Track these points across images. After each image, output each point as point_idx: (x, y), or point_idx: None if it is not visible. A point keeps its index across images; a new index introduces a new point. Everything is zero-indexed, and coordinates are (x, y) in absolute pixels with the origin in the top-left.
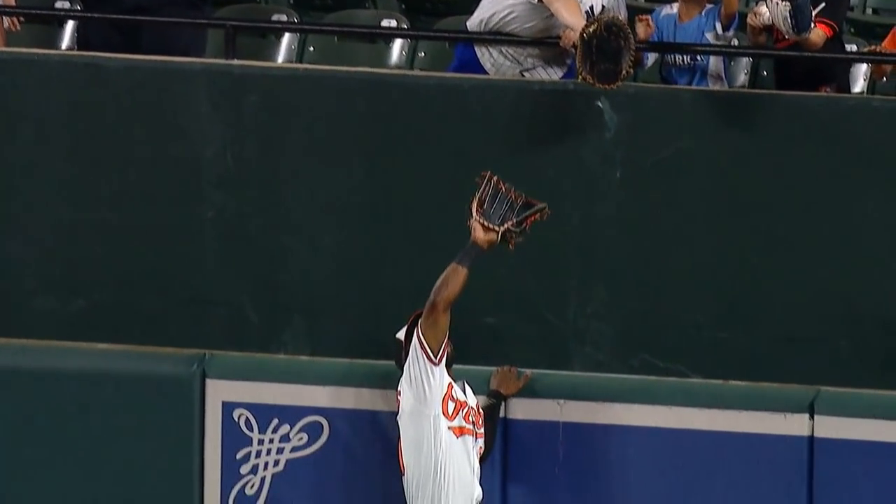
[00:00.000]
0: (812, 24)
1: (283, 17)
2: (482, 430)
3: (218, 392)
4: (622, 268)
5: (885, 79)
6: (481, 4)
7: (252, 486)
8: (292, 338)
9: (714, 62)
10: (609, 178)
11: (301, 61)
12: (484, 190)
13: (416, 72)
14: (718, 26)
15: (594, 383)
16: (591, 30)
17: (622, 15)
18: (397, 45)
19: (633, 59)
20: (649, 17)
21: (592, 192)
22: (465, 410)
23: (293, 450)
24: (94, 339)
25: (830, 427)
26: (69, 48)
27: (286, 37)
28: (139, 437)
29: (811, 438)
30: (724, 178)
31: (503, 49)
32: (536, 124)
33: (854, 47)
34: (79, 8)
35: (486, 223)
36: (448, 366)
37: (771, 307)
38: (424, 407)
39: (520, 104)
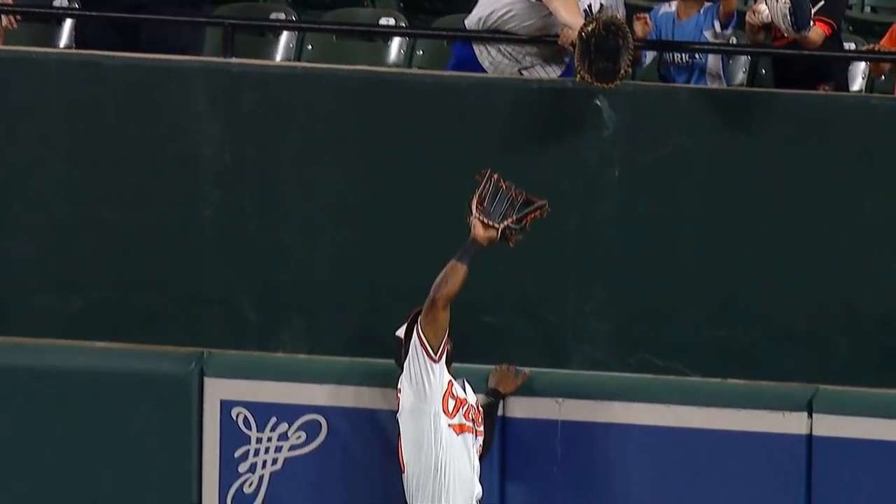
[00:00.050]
0: (811, 22)
1: (282, 16)
2: (482, 428)
3: (216, 390)
4: (621, 266)
5: (883, 77)
6: (480, 2)
7: (250, 485)
8: (291, 336)
9: (712, 60)
10: (607, 176)
11: (299, 59)
12: (484, 188)
13: (415, 70)
14: (717, 24)
15: (593, 382)
16: (589, 29)
17: (620, 13)
18: (395, 43)
19: (631, 58)
20: (647, 15)
21: (591, 190)
22: (465, 408)
23: (291, 448)
24: (92, 338)
25: (829, 425)
26: (67, 47)
27: (284, 35)
28: (137, 435)
29: (810, 437)
30: (722, 177)
31: (501, 47)
32: (535, 123)
33: (852, 45)
34: (77, 6)
35: (485, 220)
36: (448, 363)
37: (769, 305)
38: (424, 404)
39: (518, 102)
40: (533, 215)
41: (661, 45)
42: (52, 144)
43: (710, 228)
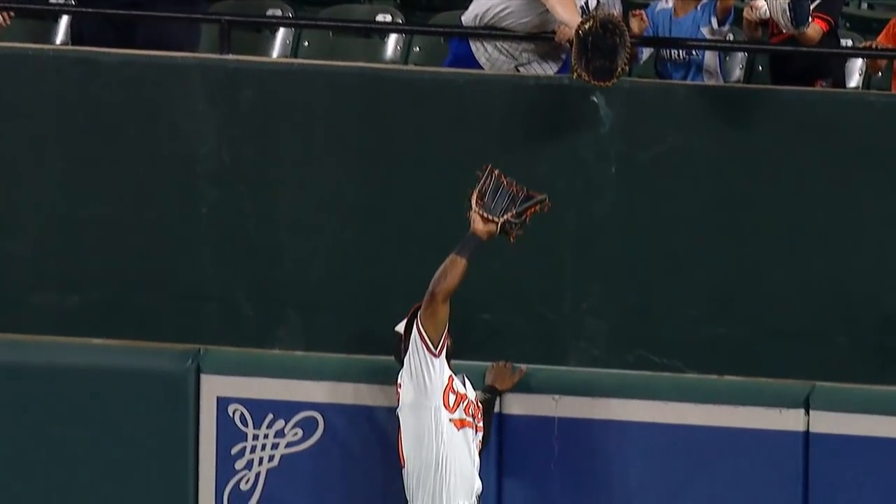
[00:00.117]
0: (810, 18)
1: (278, 12)
2: (482, 424)
3: (212, 387)
4: (618, 263)
5: (880, 73)
6: None
7: (247, 482)
8: (287, 333)
9: (709, 57)
10: (604, 173)
11: (296, 56)
12: (485, 183)
13: (411, 67)
14: (714, 21)
15: (589, 379)
16: (586, 27)
17: (617, 10)
18: (392, 39)
19: (628, 56)
20: (643, 11)
21: (587, 187)
22: (465, 403)
23: (288, 445)
24: (88, 335)
25: (826, 422)
26: (63, 43)
27: (281, 31)
28: (134, 432)
29: (807, 434)
30: (719, 173)
31: (498, 44)
32: (531, 119)
33: (850, 42)
34: (73, 2)
35: (485, 214)
36: (448, 358)
37: (767, 302)
38: (425, 399)
39: (515, 99)
40: (533, 210)
41: (657, 42)
42: (48, 142)
43: (708, 225)
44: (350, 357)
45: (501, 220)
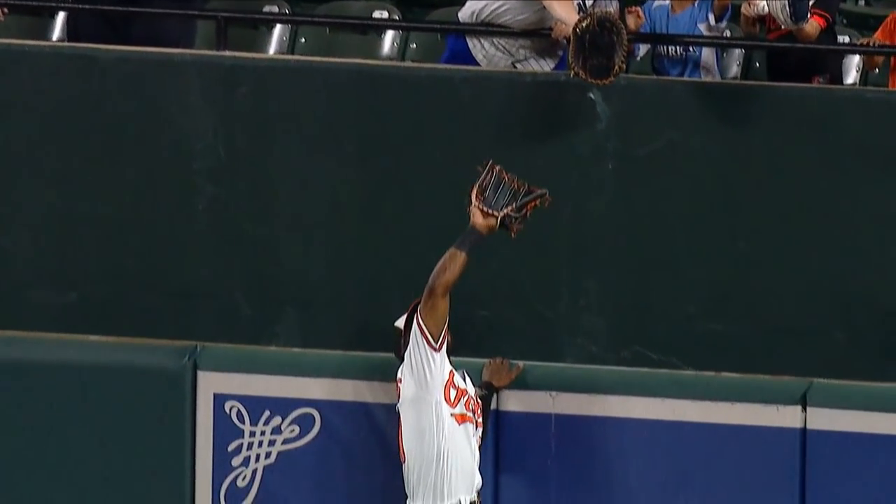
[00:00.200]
0: (809, 14)
1: (275, 9)
2: (481, 420)
3: (209, 384)
4: (614, 260)
5: (877, 70)
6: None
7: (244, 478)
8: (284, 330)
9: (707, 53)
10: (601, 169)
11: (292, 53)
12: (485, 178)
13: (408, 63)
14: (711, 17)
15: (586, 375)
16: (583, 25)
17: (614, 8)
18: (389, 36)
19: (626, 54)
20: (639, 8)
21: (584, 183)
22: (465, 398)
23: (285, 442)
24: (85, 332)
25: (823, 419)
26: (60, 40)
27: (278, 28)
28: (131, 428)
29: (804, 430)
30: (716, 170)
31: (495, 40)
32: (528, 116)
33: (847, 38)
34: None
35: (485, 209)
36: (448, 353)
37: (764, 299)
38: (426, 393)
39: (512, 96)
40: (533, 204)
41: (654, 39)
42: (45, 138)
43: (705, 222)
44: (347, 354)
45: (501, 214)
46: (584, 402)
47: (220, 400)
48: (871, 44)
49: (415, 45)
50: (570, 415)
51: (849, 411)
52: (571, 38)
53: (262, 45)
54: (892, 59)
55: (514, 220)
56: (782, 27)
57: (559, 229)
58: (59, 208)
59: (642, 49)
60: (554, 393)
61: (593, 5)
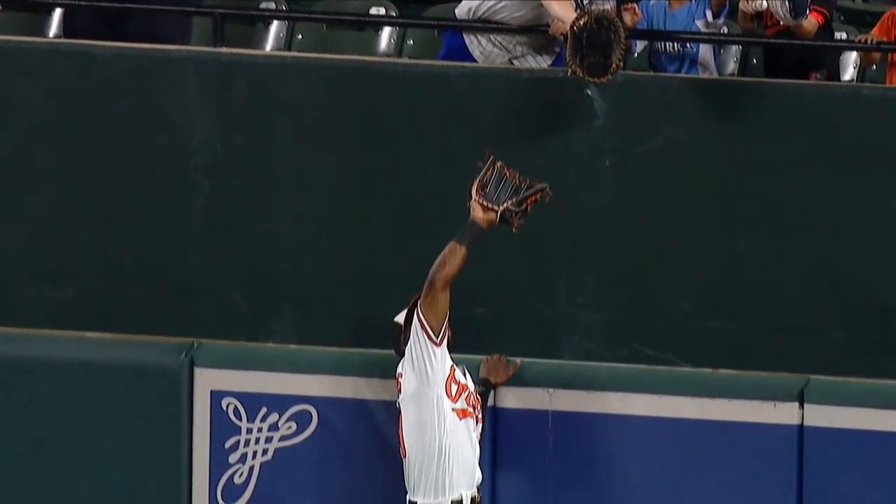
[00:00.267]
0: (808, 10)
1: (272, 5)
2: (481, 416)
3: (206, 381)
4: (612, 256)
5: (874, 66)
6: None
7: (241, 475)
8: (281, 326)
9: (704, 50)
10: (598, 166)
11: (289, 49)
12: (486, 173)
13: (405, 60)
14: (709, 14)
15: (584, 372)
16: (581, 23)
17: (611, 5)
18: (386, 32)
19: (623, 52)
20: (635, 5)
21: (582, 180)
22: (466, 393)
23: (282, 439)
24: (82, 328)
25: (820, 416)
26: (57, 36)
27: (275, 24)
28: (127, 425)
29: (801, 427)
30: (713, 167)
31: (492, 37)
32: (525, 112)
33: (844, 35)
34: None
35: (485, 203)
36: (449, 348)
37: (761, 296)
38: (427, 388)
39: (509, 92)
40: (533, 198)
41: (651, 35)
42: (41, 135)
43: (702, 218)
44: (344, 350)
45: (501, 208)
46: (582, 399)
47: (216, 397)
48: (869, 40)
49: (412, 42)
50: (567, 411)
51: (846, 408)
52: (569, 35)
53: (259, 42)
54: (889, 55)
55: (514, 214)
56: (781, 23)
57: (556, 226)
58: (55, 205)
59: (639, 45)
60: (551, 390)
61: (590, 3)
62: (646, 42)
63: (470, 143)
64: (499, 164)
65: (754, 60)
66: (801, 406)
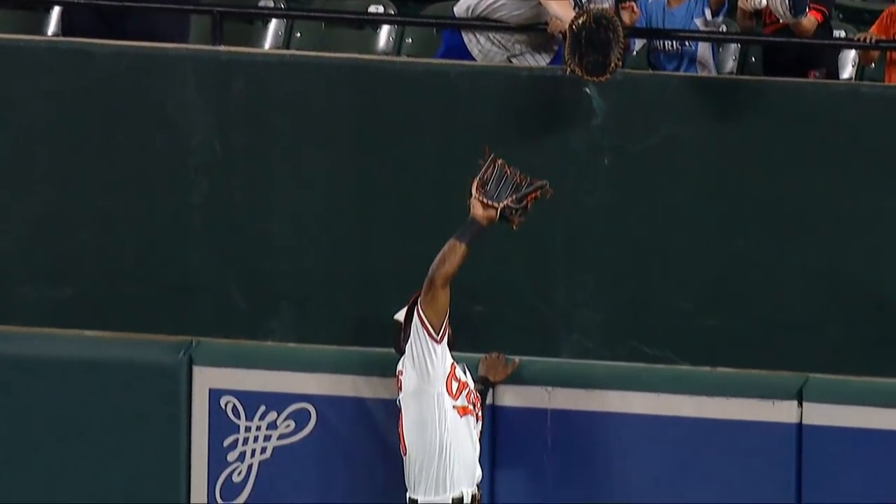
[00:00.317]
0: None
1: (270, 3)
2: (482, 414)
3: (205, 379)
4: (610, 255)
5: (872, 64)
6: None
7: (239, 474)
8: (279, 325)
9: (702, 48)
10: (597, 164)
11: (288, 47)
12: (487, 171)
13: (404, 58)
14: (708, 12)
15: (582, 370)
16: (580, 22)
17: (609, 4)
18: (384, 31)
19: (622, 51)
20: (633, 3)
21: (580, 178)
22: (466, 391)
23: (280, 437)
24: (80, 327)
25: (819, 414)
26: (55, 34)
27: (273, 23)
28: (126, 424)
29: (800, 426)
30: (712, 165)
31: (491, 35)
32: (524, 111)
33: (843, 33)
34: None
35: (485, 200)
36: (449, 346)
37: (760, 294)
38: (428, 385)
39: (507, 91)
40: (534, 195)
41: (650, 33)
42: (40, 133)
43: (700, 217)
44: (343, 349)
45: (501, 205)
46: (581, 398)
47: (215, 395)
48: (868, 38)
49: (410, 40)
50: (566, 410)
51: (845, 406)
52: (568, 34)
53: (257, 40)
54: (888, 53)
55: (514, 211)
56: (780, 21)
57: (555, 224)
58: (54, 203)
59: (638, 44)
60: (550, 388)
61: (589, 2)
62: (644, 40)
63: (468, 142)
64: (499, 161)
65: (753, 59)
66: (800, 404)
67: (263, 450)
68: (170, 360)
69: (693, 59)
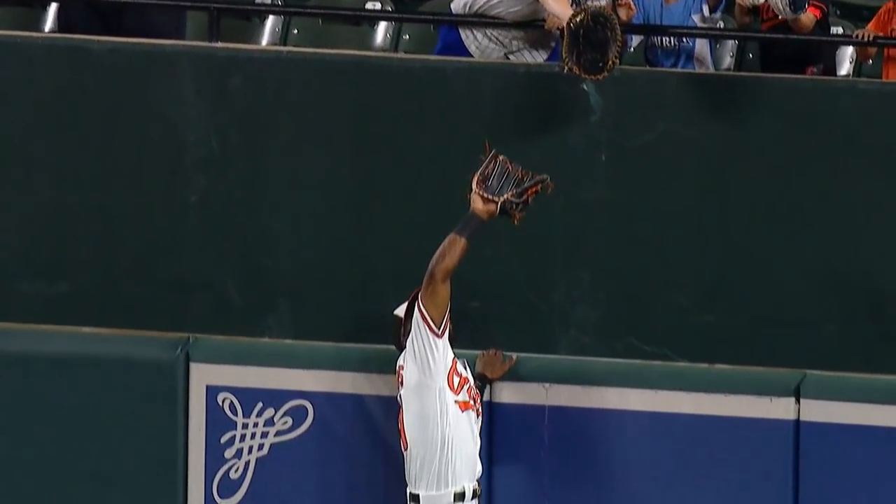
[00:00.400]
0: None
1: (268, 0)
2: (481, 409)
3: (202, 376)
4: (608, 251)
5: (870, 61)
6: None
7: (236, 471)
8: (277, 321)
9: (700, 45)
10: (594, 161)
11: (285, 44)
12: (488, 166)
13: (401, 54)
14: (705, 8)
15: (580, 367)
16: (577, 20)
17: (606, 1)
18: (382, 27)
19: (619, 49)
20: (630, 0)
21: (577, 175)
22: (467, 386)
23: (277, 434)
24: (78, 323)
25: (816, 411)
26: (52, 31)
27: (270, 19)
28: (123, 420)
29: (797, 422)
30: (709, 161)
31: (488, 32)
32: (521, 107)
33: (840, 30)
34: None
35: (486, 195)
36: (450, 341)
37: (757, 290)
38: (429, 380)
39: (505, 87)
40: (534, 190)
41: (647, 30)
42: (36, 129)
43: (698, 213)
44: (340, 346)
45: (502, 199)
46: (578, 394)
47: (212, 392)
48: (865, 35)
49: (408, 37)
50: (563, 406)
51: (842, 403)
52: (565, 32)
53: (254, 37)
54: (885, 50)
55: (514, 205)
56: (780, 17)
57: (552, 221)
58: (50, 199)
59: (635, 40)
60: (547, 385)
61: (587, 0)
62: (642, 37)
63: (466, 138)
64: (501, 157)
65: (751, 55)
66: (798, 401)
67: (261, 446)
68: (167, 356)
69: (690, 56)
